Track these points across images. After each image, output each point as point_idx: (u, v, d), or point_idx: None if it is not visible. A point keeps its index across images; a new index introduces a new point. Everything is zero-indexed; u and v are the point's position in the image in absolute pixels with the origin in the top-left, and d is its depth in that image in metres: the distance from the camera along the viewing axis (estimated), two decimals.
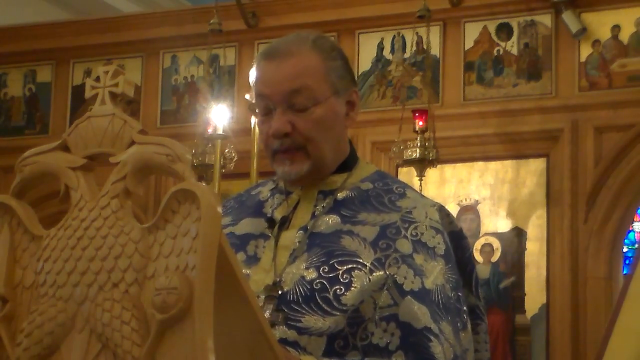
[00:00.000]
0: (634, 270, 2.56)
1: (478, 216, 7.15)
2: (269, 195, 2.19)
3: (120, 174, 1.50)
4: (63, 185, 1.55)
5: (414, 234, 2.02)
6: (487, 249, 7.09)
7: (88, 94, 1.61)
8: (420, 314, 1.92)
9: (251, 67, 2.16)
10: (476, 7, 7.33)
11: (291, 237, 2.07)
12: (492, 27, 7.33)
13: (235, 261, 1.45)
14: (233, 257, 1.45)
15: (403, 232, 2.02)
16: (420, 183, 6.67)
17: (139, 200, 7.09)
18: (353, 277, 1.95)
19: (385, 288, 1.94)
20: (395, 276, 1.95)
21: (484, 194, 7.16)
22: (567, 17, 7.01)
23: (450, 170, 7.22)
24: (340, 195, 2.10)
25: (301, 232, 2.06)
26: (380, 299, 1.94)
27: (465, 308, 2.04)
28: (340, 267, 1.97)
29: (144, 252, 1.43)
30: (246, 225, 2.15)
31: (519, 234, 7.02)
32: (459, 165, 7.22)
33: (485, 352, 2.15)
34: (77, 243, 1.48)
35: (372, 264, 1.97)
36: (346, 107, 2.12)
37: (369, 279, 1.95)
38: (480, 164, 7.19)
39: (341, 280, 1.95)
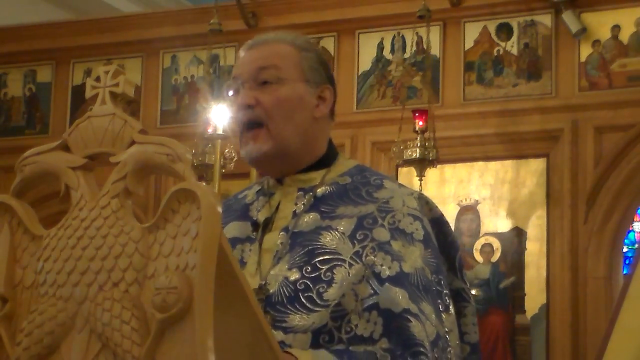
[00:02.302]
0: (634, 270, 2.56)
1: (478, 216, 7.15)
2: (254, 198, 2.22)
3: (121, 174, 1.50)
4: (63, 185, 1.55)
5: (392, 222, 2.06)
6: (487, 249, 7.09)
7: (88, 93, 1.61)
8: (398, 298, 1.95)
9: None
10: (476, 7, 7.33)
11: (274, 238, 2.10)
12: (492, 27, 7.33)
13: (235, 261, 1.46)
14: (233, 257, 1.45)
15: (380, 221, 2.05)
16: (420, 183, 6.68)
17: (139, 200, 7.09)
18: (334, 273, 1.99)
19: (365, 279, 1.98)
20: (373, 266, 1.99)
21: (484, 194, 7.16)
22: (567, 17, 7.01)
23: (450, 170, 7.22)
24: (319, 192, 2.13)
25: (283, 233, 2.10)
26: (361, 291, 1.97)
27: (447, 291, 2.06)
28: (322, 267, 2.00)
29: (144, 252, 1.43)
30: (233, 229, 2.19)
31: (519, 234, 7.02)
32: (459, 165, 7.22)
33: (474, 334, 2.17)
34: (77, 243, 1.48)
35: (351, 257, 2.00)
36: (317, 101, 2.16)
37: (349, 273, 1.98)
38: (480, 164, 7.19)
39: (324, 278, 1.99)
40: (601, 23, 7.06)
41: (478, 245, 7.11)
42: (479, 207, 7.16)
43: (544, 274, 6.89)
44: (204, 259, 1.36)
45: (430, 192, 7.07)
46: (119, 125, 1.54)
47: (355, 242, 2.02)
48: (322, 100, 2.16)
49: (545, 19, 7.19)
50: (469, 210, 7.18)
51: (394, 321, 1.93)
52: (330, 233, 2.05)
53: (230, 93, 2.16)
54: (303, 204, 2.12)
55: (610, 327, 2.48)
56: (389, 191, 2.12)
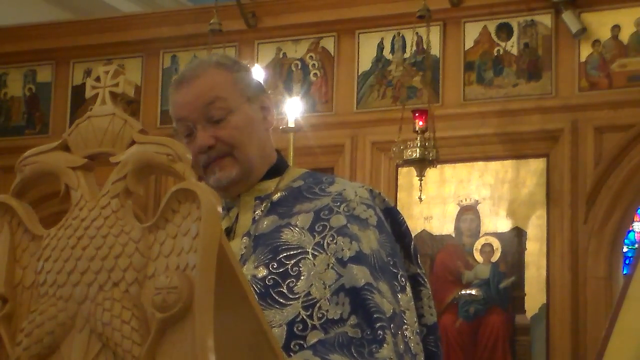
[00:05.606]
0: (634, 270, 2.56)
1: (478, 216, 7.15)
2: None
3: (121, 174, 1.50)
4: (63, 185, 1.55)
5: (346, 209, 2.13)
6: (487, 249, 7.09)
7: (88, 94, 1.60)
8: (360, 275, 2.02)
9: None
10: (476, 7, 7.34)
11: (237, 244, 2.17)
12: (492, 27, 7.33)
13: (235, 261, 1.45)
14: (233, 257, 1.45)
15: (336, 209, 2.13)
16: (420, 183, 6.68)
17: (139, 200, 7.09)
18: (301, 266, 2.06)
19: (330, 267, 2.05)
20: (336, 253, 2.06)
21: (484, 194, 7.16)
22: (567, 17, 7.01)
23: (450, 170, 7.22)
24: (275, 198, 2.22)
25: (245, 238, 2.17)
26: (328, 278, 2.04)
27: (402, 272, 2.14)
28: (288, 262, 2.07)
29: (144, 252, 1.43)
30: None
31: (519, 234, 7.03)
32: (459, 165, 7.22)
33: (431, 317, 2.24)
34: (78, 242, 1.48)
35: (313, 248, 2.08)
36: (262, 112, 2.24)
37: (314, 263, 2.06)
38: (480, 164, 7.19)
39: (291, 273, 2.06)
40: (601, 23, 7.06)
41: (478, 245, 7.11)
42: (479, 207, 7.16)
43: (544, 274, 6.89)
44: (204, 259, 1.36)
45: (430, 192, 7.08)
46: (119, 125, 1.54)
47: (315, 234, 2.10)
48: (266, 110, 2.25)
49: (545, 19, 7.20)
50: (469, 210, 7.18)
51: (359, 295, 2.00)
52: (291, 229, 2.12)
53: (184, 137, 2.19)
54: (261, 210, 2.20)
55: (610, 327, 2.48)
56: (341, 185, 2.21)
